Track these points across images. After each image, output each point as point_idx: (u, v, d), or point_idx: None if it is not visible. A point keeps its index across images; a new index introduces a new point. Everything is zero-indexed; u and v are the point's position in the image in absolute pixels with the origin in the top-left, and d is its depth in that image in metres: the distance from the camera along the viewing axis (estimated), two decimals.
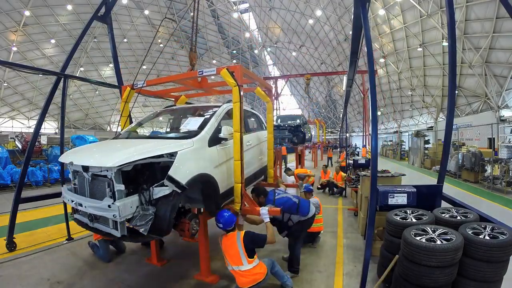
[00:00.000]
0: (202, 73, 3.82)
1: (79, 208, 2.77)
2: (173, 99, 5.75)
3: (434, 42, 21.49)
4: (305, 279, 3.83)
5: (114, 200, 2.50)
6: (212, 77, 4.13)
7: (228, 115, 3.85)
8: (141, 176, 2.84)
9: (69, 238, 5.15)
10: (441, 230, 2.86)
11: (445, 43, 19.82)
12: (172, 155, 2.81)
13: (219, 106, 3.98)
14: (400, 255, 2.94)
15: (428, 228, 2.92)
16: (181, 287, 3.67)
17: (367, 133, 18.17)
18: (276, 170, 5.90)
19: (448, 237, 2.71)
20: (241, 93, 3.41)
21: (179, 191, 2.67)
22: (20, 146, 13.61)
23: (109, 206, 2.46)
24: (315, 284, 3.72)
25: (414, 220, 3.28)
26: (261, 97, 5.43)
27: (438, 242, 2.66)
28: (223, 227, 3.21)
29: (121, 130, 4.28)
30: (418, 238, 2.75)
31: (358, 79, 23.92)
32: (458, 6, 16.24)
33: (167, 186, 2.62)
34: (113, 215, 2.44)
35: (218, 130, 3.50)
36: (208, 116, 3.72)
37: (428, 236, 2.79)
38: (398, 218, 3.34)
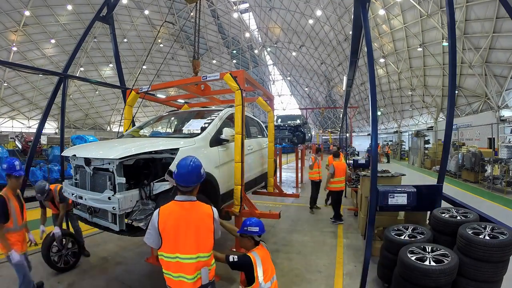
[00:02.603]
0: (206, 78, 3.85)
1: (79, 201, 2.78)
2: (176, 108, 5.76)
3: (434, 42, 21.47)
4: (305, 279, 3.84)
5: (115, 193, 2.52)
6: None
7: (231, 120, 3.88)
8: (142, 173, 2.87)
9: None
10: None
11: (445, 43, 19.82)
12: (174, 151, 2.85)
13: (221, 110, 4.04)
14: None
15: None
16: None
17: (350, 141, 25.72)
18: (276, 179, 5.92)
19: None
20: (243, 97, 3.46)
21: None
22: (20, 146, 13.56)
23: (109, 198, 2.48)
24: (315, 284, 3.72)
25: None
26: (262, 107, 5.43)
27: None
28: (262, 231, 2.47)
29: (124, 132, 4.32)
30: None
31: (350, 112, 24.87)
32: (458, 6, 16.24)
33: (167, 181, 2.64)
34: (113, 207, 2.46)
35: (219, 131, 3.54)
36: (210, 118, 3.75)
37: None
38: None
